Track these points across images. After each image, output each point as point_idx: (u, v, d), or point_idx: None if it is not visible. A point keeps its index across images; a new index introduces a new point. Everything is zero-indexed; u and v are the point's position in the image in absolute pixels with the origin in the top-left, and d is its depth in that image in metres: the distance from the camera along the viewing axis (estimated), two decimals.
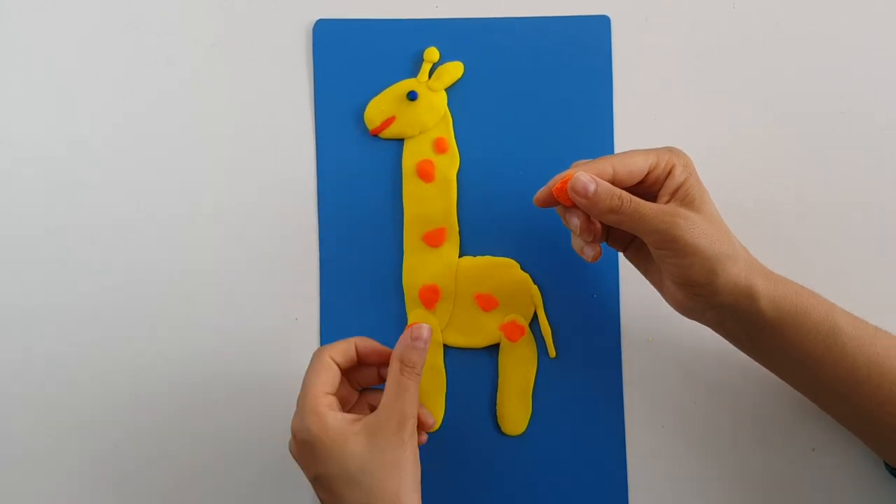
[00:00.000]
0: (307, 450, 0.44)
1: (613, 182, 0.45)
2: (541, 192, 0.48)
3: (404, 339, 0.45)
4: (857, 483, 0.51)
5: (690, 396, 0.52)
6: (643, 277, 0.49)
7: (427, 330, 0.46)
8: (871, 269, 0.53)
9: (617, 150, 0.54)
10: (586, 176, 0.44)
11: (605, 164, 0.45)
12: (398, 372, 0.44)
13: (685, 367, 0.52)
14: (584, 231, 0.47)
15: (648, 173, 0.45)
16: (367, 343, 0.47)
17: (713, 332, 0.49)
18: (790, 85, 0.54)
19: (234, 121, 0.55)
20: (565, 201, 0.46)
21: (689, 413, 0.52)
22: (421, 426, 0.48)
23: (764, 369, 0.50)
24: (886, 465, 0.49)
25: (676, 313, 0.48)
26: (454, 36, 0.54)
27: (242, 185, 0.54)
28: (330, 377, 0.45)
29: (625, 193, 0.44)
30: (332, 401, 0.45)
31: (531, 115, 0.54)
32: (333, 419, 0.43)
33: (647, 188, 0.46)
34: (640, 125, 0.54)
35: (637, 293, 0.53)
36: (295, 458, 0.45)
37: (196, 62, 0.55)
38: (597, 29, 0.55)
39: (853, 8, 0.55)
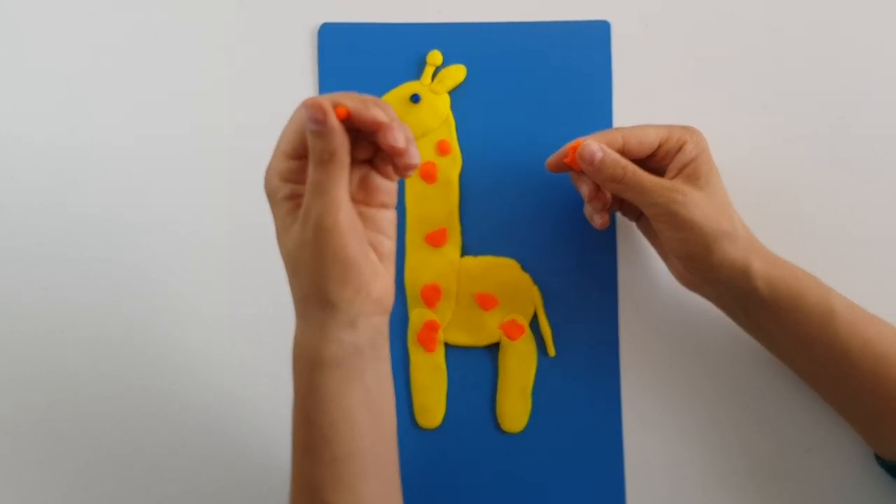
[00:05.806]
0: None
1: (623, 152, 0.46)
2: (553, 157, 0.49)
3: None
4: (852, 484, 0.51)
5: (687, 396, 0.53)
6: (641, 279, 0.50)
7: (318, 109, 0.36)
8: (870, 274, 0.53)
9: None
10: (595, 144, 0.46)
11: (616, 134, 0.47)
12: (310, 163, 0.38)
13: (682, 367, 0.53)
14: (593, 198, 0.48)
15: (659, 147, 0.47)
16: (359, 105, 0.38)
17: (710, 333, 0.49)
18: (789, 92, 0.55)
19: (240, 123, 0.55)
20: (577, 167, 0.47)
21: (686, 412, 0.53)
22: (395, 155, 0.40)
23: (760, 370, 0.50)
24: (877, 457, 0.49)
25: (674, 313, 0.48)
26: (457, 40, 0.55)
27: (248, 185, 0.55)
28: (292, 138, 0.41)
29: (629, 164, 0.46)
30: (291, 167, 0.41)
31: (532, 119, 0.55)
32: (280, 192, 0.41)
33: (657, 162, 0.48)
34: None
35: (635, 293, 0.53)
36: None
37: (202, 65, 0.56)
38: (597, 34, 0.55)
39: (852, 15, 0.55)
